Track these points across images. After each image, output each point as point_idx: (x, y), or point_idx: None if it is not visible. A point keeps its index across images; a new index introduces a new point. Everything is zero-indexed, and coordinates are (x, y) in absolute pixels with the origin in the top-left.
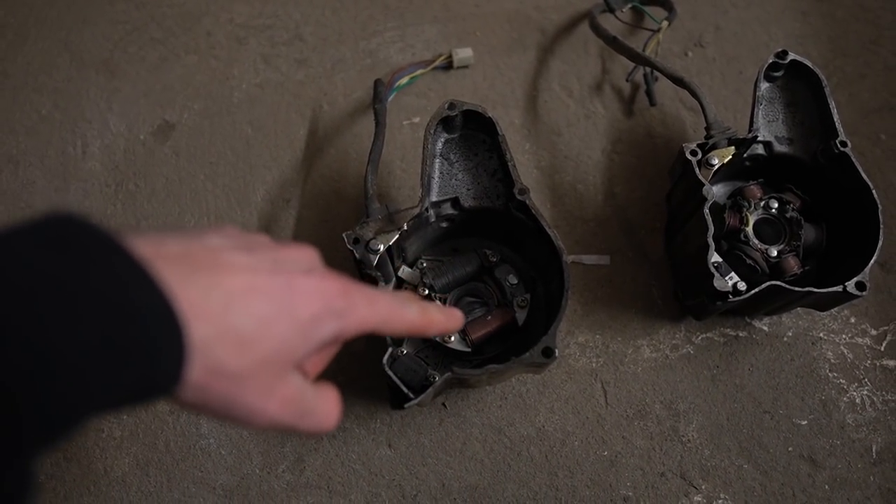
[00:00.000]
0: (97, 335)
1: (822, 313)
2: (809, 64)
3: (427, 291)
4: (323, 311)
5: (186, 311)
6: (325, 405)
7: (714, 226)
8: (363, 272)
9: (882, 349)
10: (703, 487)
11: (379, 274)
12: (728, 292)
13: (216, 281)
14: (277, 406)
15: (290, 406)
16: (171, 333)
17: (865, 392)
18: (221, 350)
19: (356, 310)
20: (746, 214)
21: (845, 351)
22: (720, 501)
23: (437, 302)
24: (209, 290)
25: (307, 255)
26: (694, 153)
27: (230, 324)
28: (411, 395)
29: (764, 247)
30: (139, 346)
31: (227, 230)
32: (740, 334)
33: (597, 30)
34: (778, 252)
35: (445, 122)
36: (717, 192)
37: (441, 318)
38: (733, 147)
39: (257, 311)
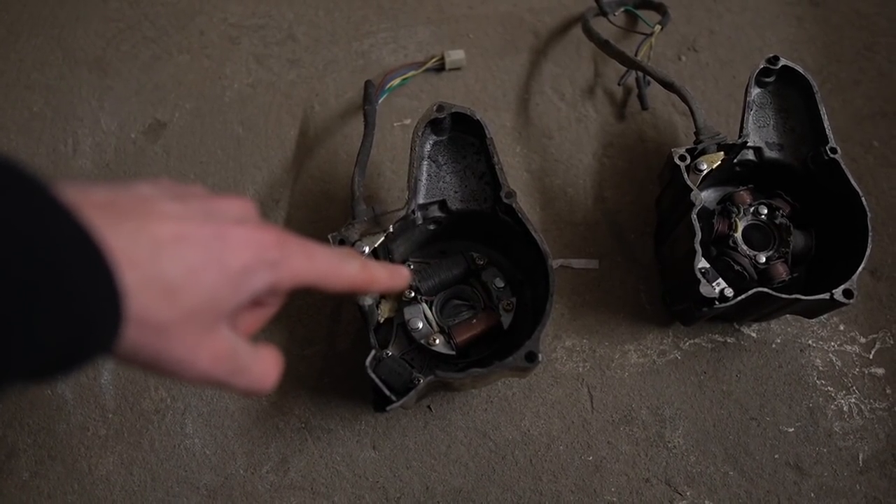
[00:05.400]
0: (12, 272)
1: (811, 320)
2: (801, 70)
3: (413, 293)
4: (255, 262)
5: (114, 256)
6: (262, 365)
7: (703, 231)
8: None
9: (871, 357)
10: (688, 494)
11: None
12: (714, 298)
13: (143, 228)
14: (208, 360)
15: (221, 361)
16: (100, 278)
17: (853, 400)
18: (148, 299)
19: (291, 261)
20: (735, 220)
21: (834, 358)
22: None
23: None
24: (135, 237)
25: (242, 206)
26: (682, 158)
27: (157, 272)
28: (393, 398)
29: (752, 253)
30: (65, 287)
31: (160, 181)
32: (728, 340)
33: (589, 33)
34: (766, 258)
35: (434, 125)
36: (706, 197)
37: (383, 276)
38: (722, 152)
39: (185, 260)
